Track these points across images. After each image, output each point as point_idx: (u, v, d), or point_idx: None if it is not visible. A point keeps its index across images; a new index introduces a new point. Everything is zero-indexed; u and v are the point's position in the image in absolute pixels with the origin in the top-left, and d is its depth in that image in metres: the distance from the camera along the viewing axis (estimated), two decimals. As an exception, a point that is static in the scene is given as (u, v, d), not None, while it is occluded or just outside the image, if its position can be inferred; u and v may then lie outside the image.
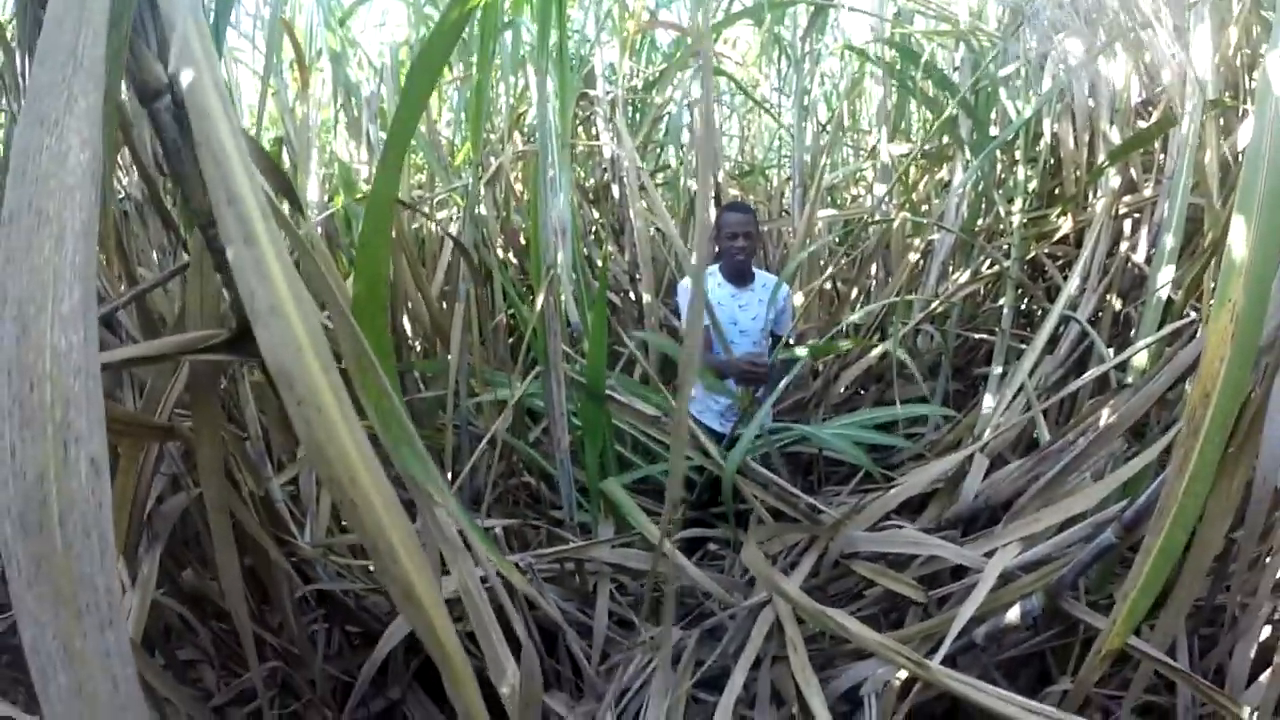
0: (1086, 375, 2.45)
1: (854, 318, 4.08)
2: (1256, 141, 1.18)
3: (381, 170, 1.08)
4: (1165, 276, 2.43)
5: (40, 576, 0.50)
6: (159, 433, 1.42)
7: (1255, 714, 1.37)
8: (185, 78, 0.75)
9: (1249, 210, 1.17)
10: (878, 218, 4.27)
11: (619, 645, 2.28)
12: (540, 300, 2.04)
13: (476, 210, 2.95)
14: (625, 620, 2.40)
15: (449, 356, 2.70)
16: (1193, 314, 2.38)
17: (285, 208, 1.00)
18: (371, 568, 2.02)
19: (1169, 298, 2.46)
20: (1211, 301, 2.43)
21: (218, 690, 1.97)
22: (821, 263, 4.62)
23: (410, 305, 3.43)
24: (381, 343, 1.13)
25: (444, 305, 3.44)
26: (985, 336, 3.57)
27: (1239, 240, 1.17)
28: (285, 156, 3.56)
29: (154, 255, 2.37)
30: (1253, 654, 1.65)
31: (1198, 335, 2.20)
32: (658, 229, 4.14)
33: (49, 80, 0.61)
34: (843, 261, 4.66)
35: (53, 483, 0.50)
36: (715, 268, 3.25)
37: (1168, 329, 2.28)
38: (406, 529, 0.75)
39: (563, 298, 2.18)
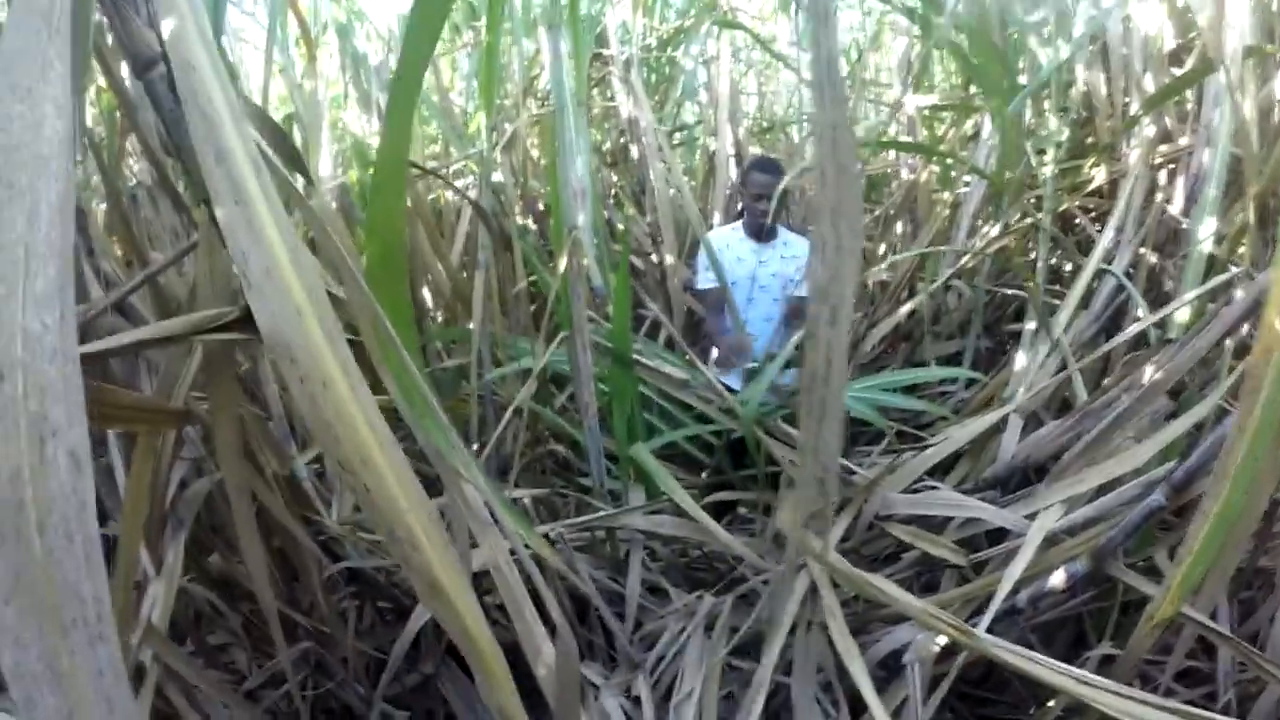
0: (1127, 331, 2.38)
1: (881, 269, 4.01)
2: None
3: (389, 123, 1.02)
4: (1207, 229, 2.35)
5: (20, 589, 0.44)
6: (175, 417, 1.38)
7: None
8: (167, 28, 0.70)
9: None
10: (904, 170, 4.18)
11: (652, 613, 2.26)
12: (562, 263, 1.99)
13: (492, 177, 2.89)
14: (658, 587, 2.38)
15: (470, 325, 2.66)
16: (1233, 268, 2.30)
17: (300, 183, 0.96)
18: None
19: (1210, 252, 2.38)
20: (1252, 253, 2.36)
21: (250, 673, 1.96)
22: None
23: (430, 276, 3.39)
24: (400, 311, 1.08)
25: (464, 274, 3.39)
26: (1015, 292, 3.49)
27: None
28: (296, 133, 3.51)
29: (167, 240, 2.34)
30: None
31: (1240, 291, 2.13)
32: (678, 189, 4.07)
33: (22, 45, 0.56)
34: (866, 219, 4.57)
35: (28, 484, 0.44)
36: (739, 223, 3.22)
37: (1211, 283, 2.20)
38: (428, 513, 0.70)
39: (585, 261, 2.12)
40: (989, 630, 1.50)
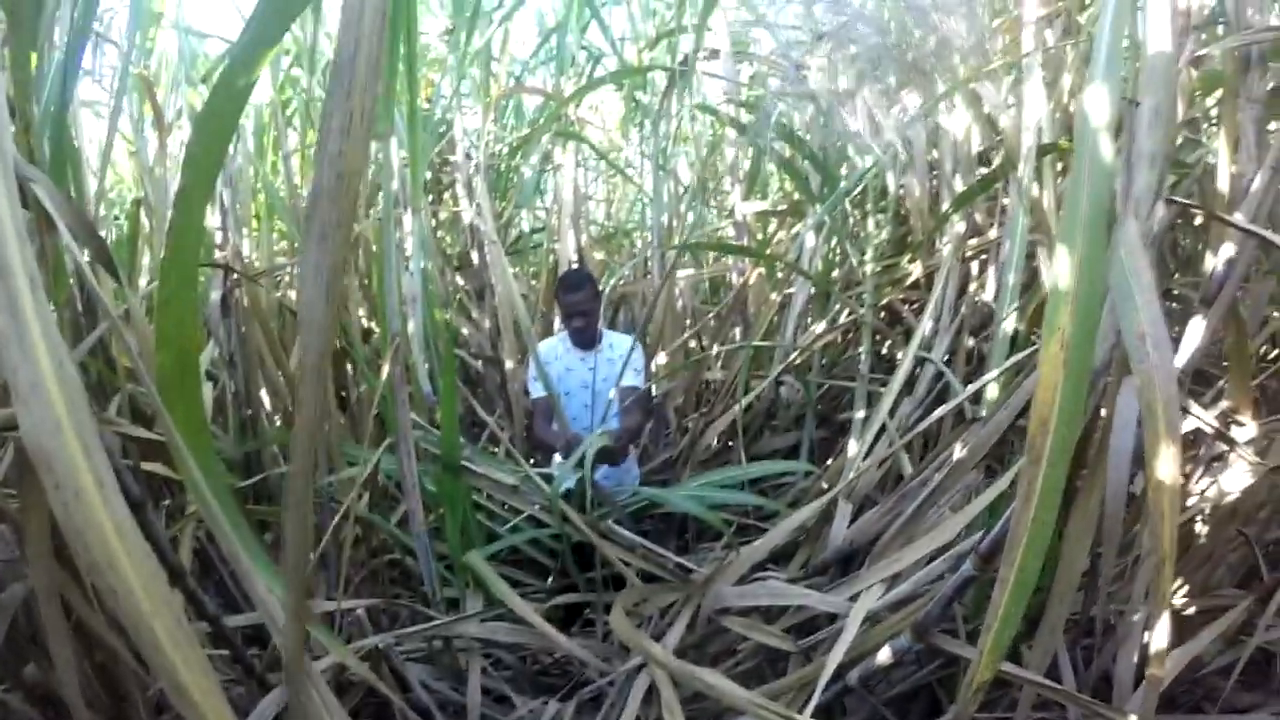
0: (937, 412, 2.49)
1: (716, 369, 4.11)
2: (1077, 171, 1.22)
3: (177, 229, 1.01)
4: (1009, 311, 2.51)
5: None
6: (-17, 513, 1.30)
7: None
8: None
9: (1071, 239, 1.20)
10: (735, 273, 4.33)
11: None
12: (385, 369, 1.97)
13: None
14: (502, 695, 2.31)
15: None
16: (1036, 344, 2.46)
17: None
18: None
19: (1015, 332, 2.54)
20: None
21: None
22: (687, 321, 4.65)
23: (268, 379, 3.28)
24: (193, 418, 1.05)
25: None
26: (847, 383, 3.62)
27: (1063, 269, 1.20)
28: (144, 219, 3.38)
29: None
30: (1135, 659, 1.68)
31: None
32: (522, 294, 4.09)
33: None
34: (707, 319, 4.69)
35: None
36: (565, 333, 3.23)
37: (1013, 360, 2.34)
38: (173, 618, 0.70)
39: (416, 365, 2.11)
40: (842, 710, 1.51)
